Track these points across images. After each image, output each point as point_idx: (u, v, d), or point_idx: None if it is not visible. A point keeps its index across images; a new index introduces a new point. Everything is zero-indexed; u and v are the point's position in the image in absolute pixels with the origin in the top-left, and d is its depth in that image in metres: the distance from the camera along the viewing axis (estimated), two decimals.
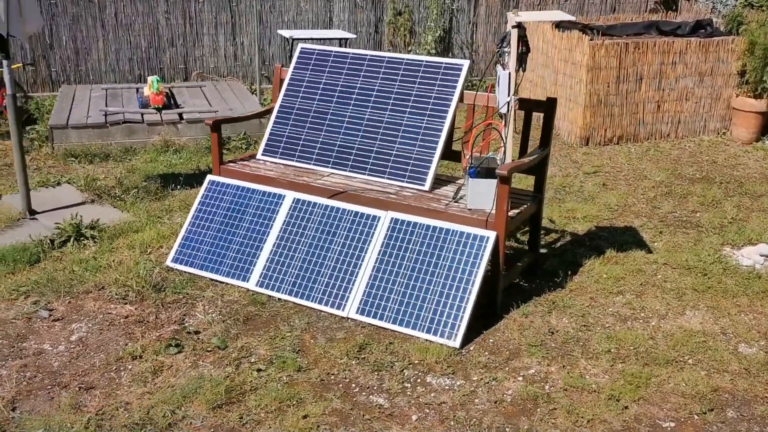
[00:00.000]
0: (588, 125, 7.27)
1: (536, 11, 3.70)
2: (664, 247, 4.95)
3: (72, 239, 4.70)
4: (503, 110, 3.86)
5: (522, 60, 3.71)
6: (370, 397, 3.28)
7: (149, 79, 7.01)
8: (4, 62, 4.78)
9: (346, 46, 8.57)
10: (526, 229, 4.68)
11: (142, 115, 6.81)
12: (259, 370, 3.43)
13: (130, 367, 3.44)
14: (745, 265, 4.68)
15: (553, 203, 5.70)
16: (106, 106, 7.12)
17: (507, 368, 3.52)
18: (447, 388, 3.36)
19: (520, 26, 3.67)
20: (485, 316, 3.97)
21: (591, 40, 7.08)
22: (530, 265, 4.46)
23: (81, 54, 8.42)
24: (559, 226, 5.27)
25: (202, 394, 3.21)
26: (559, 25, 7.81)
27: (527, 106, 4.25)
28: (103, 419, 3.05)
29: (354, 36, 8.06)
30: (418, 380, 3.41)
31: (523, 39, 3.68)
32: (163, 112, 6.93)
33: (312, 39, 8.42)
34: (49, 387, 3.27)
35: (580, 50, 7.17)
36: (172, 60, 8.74)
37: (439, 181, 4.43)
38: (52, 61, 8.36)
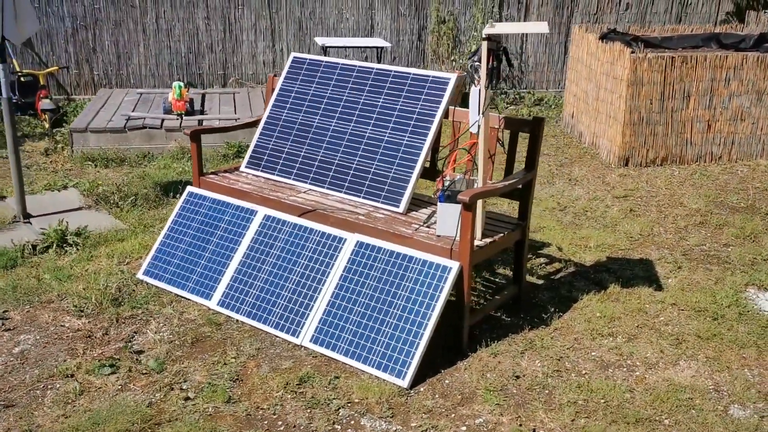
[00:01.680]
0: (627, 144, 6.75)
1: (516, 23, 3.36)
2: (678, 284, 4.46)
3: (54, 245, 4.67)
4: (473, 129, 3.52)
5: (493, 76, 3.37)
6: None
7: (173, 84, 7.00)
8: (1, 65, 4.81)
9: (381, 55, 8.35)
10: (544, 259, 4.30)
11: (162, 120, 6.80)
12: (186, 398, 3.24)
13: (58, 385, 3.31)
14: (766, 310, 4.14)
15: (567, 229, 5.27)
16: (135, 110, 7.16)
17: (453, 415, 3.18)
18: None
19: (490, 39, 3.33)
20: (451, 351, 3.64)
21: (632, 53, 6.57)
22: (513, 298, 4.09)
23: (122, 58, 8.55)
24: (567, 255, 4.85)
25: (116, 421, 3.04)
26: (606, 36, 7.32)
27: (513, 125, 3.89)
28: None
29: (389, 45, 7.83)
30: (352, 422, 3.13)
31: (494, 53, 3.34)
32: (184, 118, 6.90)
33: (346, 47, 8.25)
34: None
35: (621, 64, 6.67)
36: (211, 66, 8.75)
37: (419, 203, 4.13)
38: (95, 64, 8.53)
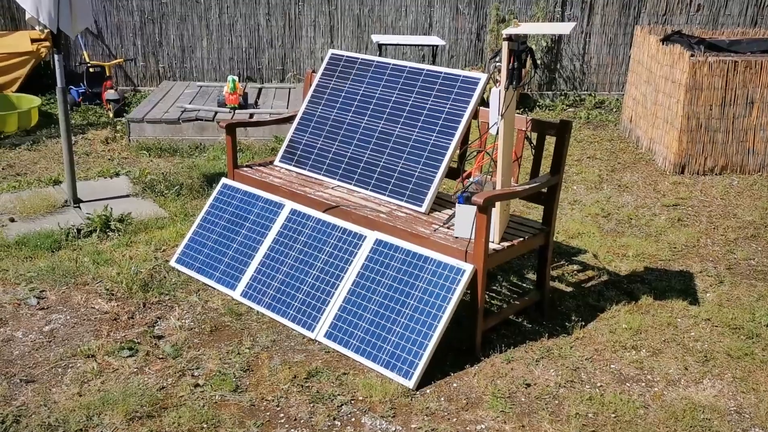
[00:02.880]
0: (684, 151, 6.50)
1: (540, 23, 3.28)
2: (716, 299, 4.26)
3: (98, 230, 4.86)
4: (492, 131, 3.46)
5: (513, 77, 3.30)
6: (291, 431, 3.05)
7: (228, 78, 7.16)
8: (56, 56, 5.03)
9: (436, 54, 8.31)
10: (577, 266, 4.18)
11: (215, 113, 6.97)
12: (196, 385, 3.32)
13: (78, 365, 3.45)
14: None
15: (607, 236, 5.11)
16: (192, 103, 7.37)
17: (455, 419, 3.15)
18: None
19: (512, 39, 3.27)
20: (463, 355, 3.60)
21: (692, 56, 6.31)
22: (535, 304, 4.00)
23: (186, 52, 8.81)
24: (601, 263, 4.71)
25: (126, 403, 3.15)
26: (669, 38, 7.06)
27: (540, 127, 3.80)
28: (22, 416, 3.07)
29: (444, 43, 7.77)
30: (352, 419, 3.14)
31: (516, 53, 3.28)
32: (237, 111, 7.05)
33: (402, 45, 8.24)
34: None
35: (680, 67, 6.42)
36: (270, 61, 8.91)
37: (444, 203, 4.09)
38: (161, 57, 8.82)
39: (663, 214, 5.60)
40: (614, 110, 8.76)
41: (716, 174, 6.58)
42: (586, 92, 9.21)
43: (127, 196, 5.56)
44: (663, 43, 6.88)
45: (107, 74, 8.17)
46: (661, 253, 4.89)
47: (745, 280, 4.53)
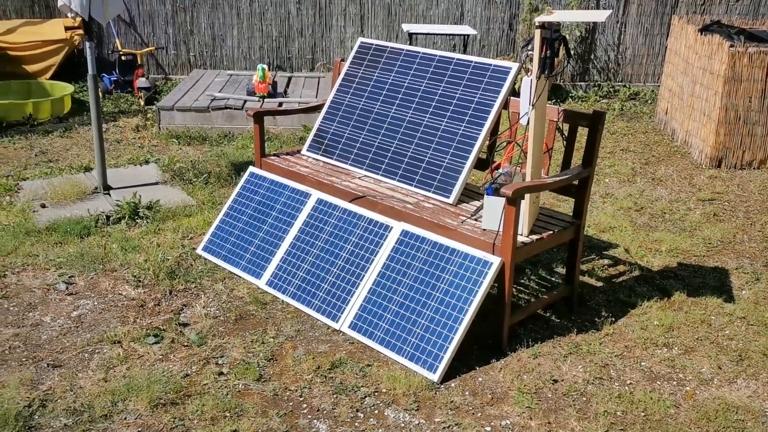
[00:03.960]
0: (721, 144, 6.33)
1: (575, 11, 3.19)
2: (752, 297, 4.14)
3: (126, 217, 4.89)
4: (523, 121, 3.39)
5: (545, 65, 3.22)
6: (314, 421, 3.03)
7: (258, 67, 7.16)
8: (88, 44, 5.06)
9: (467, 43, 8.21)
10: (608, 260, 4.08)
11: (244, 102, 6.97)
12: (220, 374, 3.32)
13: (105, 351, 3.47)
14: None
15: (640, 231, 5.00)
16: (221, 91, 7.38)
17: (480, 414, 3.10)
18: (401, 425, 3.02)
19: (544, 27, 3.18)
20: (490, 349, 3.54)
21: (731, 47, 6.13)
22: (564, 299, 3.92)
23: (217, 40, 8.83)
24: (633, 258, 4.61)
25: (150, 389, 3.16)
26: (707, 28, 6.88)
27: (572, 118, 3.71)
28: (48, 400, 3.10)
29: (475, 32, 7.67)
30: (375, 411, 3.10)
31: (548, 41, 3.19)
32: (266, 100, 7.05)
33: (433, 34, 8.16)
34: (23, 359, 3.38)
35: (719, 58, 6.25)
36: (300, 50, 8.89)
37: (472, 194, 4.03)
38: (192, 45, 8.84)
39: (698, 208, 5.46)
40: (649, 102, 8.58)
41: (754, 168, 6.40)
42: (620, 83, 9.04)
43: (156, 183, 5.58)
44: (701, 33, 6.70)
45: (139, 62, 8.22)
46: (696, 249, 4.77)
47: None
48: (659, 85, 8.47)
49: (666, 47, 8.28)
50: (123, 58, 8.24)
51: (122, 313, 3.82)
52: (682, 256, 4.67)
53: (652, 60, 9.00)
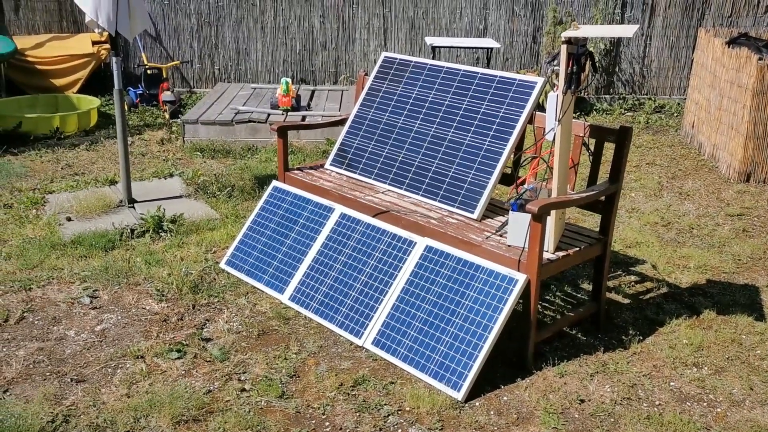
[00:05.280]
0: (750, 159, 6.23)
1: (602, 26, 3.15)
2: None
3: (151, 231, 4.91)
4: (549, 137, 3.35)
5: (572, 81, 3.18)
6: None
7: (281, 80, 7.18)
8: (114, 59, 5.11)
9: (491, 56, 8.18)
10: (635, 277, 4.01)
11: (268, 115, 7.00)
12: (242, 390, 3.30)
13: (128, 365, 3.47)
14: None
15: (667, 246, 4.92)
16: (246, 104, 7.42)
17: None
18: None
19: (570, 42, 3.15)
20: (515, 368, 3.49)
21: (760, 59, 6.04)
22: (591, 317, 3.86)
23: (242, 54, 8.89)
24: (661, 274, 4.53)
25: (173, 406, 3.15)
26: (735, 41, 6.79)
27: (598, 133, 3.66)
28: (71, 416, 3.10)
29: (498, 45, 7.64)
30: (399, 430, 3.06)
31: (575, 57, 3.16)
32: (289, 113, 7.07)
33: (456, 47, 8.14)
34: (48, 374, 3.40)
35: (747, 71, 6.16)
36: (324, 63, 8.92)
37: (497, 210, 3.99)
38: (216, 59, 8.91)
39: (727, 224, 5.36)
40: (675, 115, 8.48)
41: None
42: (645, 96, 8.95)
43: (180, 197, 5.61)
44: (729, 46, 6.61)
45: (164, 76, 8.30)
46: (725, 266, 4.68)
47: None
48: (685, 98, 8.37)
49: (692, 60, 8.19)
50: (149, 72, 8.32)
51: (145, 327, 3.82)
52: (711, 272, 4.58)
53: (678, 73, 8.90)
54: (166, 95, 7.92)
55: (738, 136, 6.30)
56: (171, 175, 6.09)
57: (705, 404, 3.28)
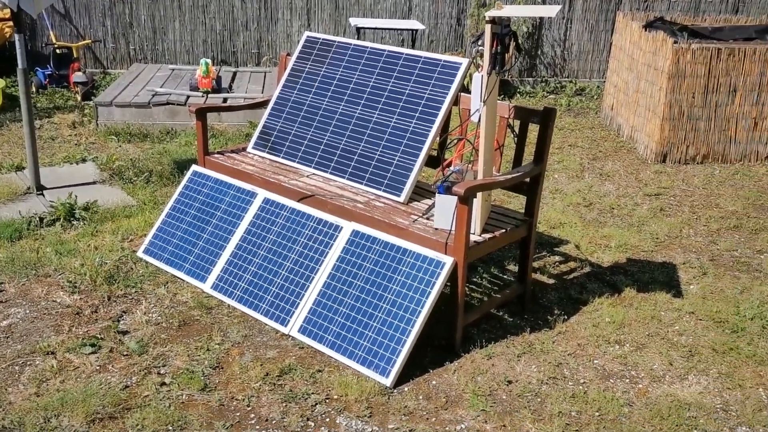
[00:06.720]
0: (666, 140, 6.41)
1: (525, 6, 3.13)
2: (699, 292, 4.18)
3: (62, 219, 4.65)
4: (474, 118, 3.32)
5: (496, 61, 3.15)
6: None
7: (201, 61, 6.93)
8: (17, 36, 4.79)
9: (415, 38, 8.14)
10: (559, 257, 4.03)
11: (187, 97, 6.75)
12: (162, 384, 3.15)
13: (37, 362, 3.27)
14: None
15: (589, 227, 5.01)
16: (164, 86, 7.13)
17: (434, 419, 3.02)
18: None
19: (495, 22, 3.11)
20: (443, 351, 3.47)
21: (675, 43, 6.20)
22: (517, 298, 3.88)
23: (158, 33, 8.54)
24: (584, 254, 4.60)
25: (86, 403, 2.98)
26: (651, 25, 6.95)
27: (523, 114, 3.66)
28: None
29: (423, 27, 7.60)
30: (327, 419, 2.99)
31: (499, 37, 3.13)
32: (210, 95, 6.84)
33: (381, 29, 8.05)
34: None
35: (663, 54, 6.32)
36: (245, 44, 8.67)
37: (423, 192, 3.94)
38: (131, 39, 8.53)
39: (645, 203, 5.51)
40: (595, 97, 8.67)
41: (698, 163, 6.51)
42: (566, 79, 9.10)
43: (94, 183, 5.34)
44: (645, 30, 6.77)
45: (75, 56, 7.88)
46: (644, 244, 4.80)
47: (728, 271, 4.45)
48: (605, 81, 8.55)
49: (611, 43, 8.37)
50: (58, 51, 7.89)
51: (56, 321, 3.61)
52: (631, 251, 4.69)
53: (598, 56, 9.09)
54: (77, 76, 7.53)
55: (655, 117, 6.48)
56: (84, 160, 5.79)
57: (627, 380, 3.34)
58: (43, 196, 5.04)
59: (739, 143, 6.52)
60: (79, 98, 7.42)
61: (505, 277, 4.25)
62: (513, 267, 4.36)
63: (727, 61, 6.24)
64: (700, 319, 3.88)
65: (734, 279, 4.36)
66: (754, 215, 5.34)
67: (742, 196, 5.72)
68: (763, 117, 6.47)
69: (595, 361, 3.48)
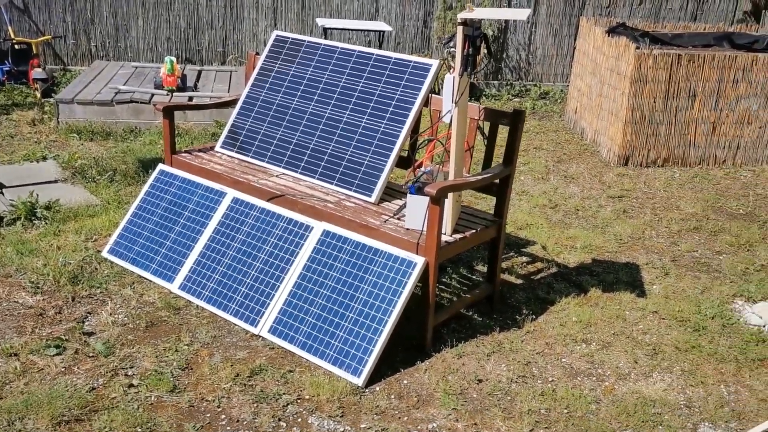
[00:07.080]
0: (628, 143, 6.54)
1: (496, 9, 3.16)
2: (662, 291, 4.27)
3: (22, 218, 4.54)
4: (446, 119, 3.34)
5: (468, 63, 3.18)
6: None
7: (165, 59, 6.84)
8: None
9: (382, 39, 8.15)
10: (526, 258, 4.08)
11: (151, 96, 6.65)
12: (130, 386, 3.10)
13: None
14: (753, 324, 3.95)
15: (555, 228, 5.08)
16: (127, 84, 7.01)
17: (406, 418, 3.03)
18: None
19: (466, 24, 3.14)
20: (414, 351, 3.48)
21: (637, 48, 6.33)
22: (486, 298, 3.92)
23: (121, 30, 8.40)
24: (550, 255, 4.67)
25: (52, 406, 2.91)
26: (614, 30, 7.08)
27: (493, 117, 3.70)
28: None
29: (390, 29, 7.61)
30: (299, 420, 2.98)
31: (471, 39, 3.15)
32: (175, 94, 6.75)
33: (348, 29, 8.05)
34: None
35: (626, 59, 6.45)
36: (211, 42, 8.58)
37: (394, 193, 3.96)
38: (93, 35, 8.38)
39: (609, 205, 5.60)
40: (559, 101, 8.79)
41: (659, 166, 6.65)
42: (531, 83, 9.22)
43: (56, 181, 5.23)
44: (608, 35, 6.90)
45: (34, 52, 7.70)
46: (608, 245, 4.88)
47: (689, 272, 4.56)
48: (569, 85, 8.69)
49: (575, 48, 8.50)
50: (16, 47, 7.71)
51: (19, 322, 3.52)
52: (596, 252, 4.77)
53: (561, 60, 9.22)
54: (36, 72, 7.36)
55: (617, 121, 6.60)
56: (44, 159, 5.66)
57: (594, 378, 3.40)
58: (3, 194, 4.92)
59: (699, 147, 6.68)
60: (38, 95, 7.26)
61: (474, 277, 4.28)
62: (482, 267, 4.40)
63: (687, 66, 6.39)
64: (663, 318, 3.97)
65: (695, 279, 4.46)
66: (713, 217, 5.48)
67: (702, 198, 5.86)
68: (721, 122, 6.64)
69: (563, 360, 3.53)
